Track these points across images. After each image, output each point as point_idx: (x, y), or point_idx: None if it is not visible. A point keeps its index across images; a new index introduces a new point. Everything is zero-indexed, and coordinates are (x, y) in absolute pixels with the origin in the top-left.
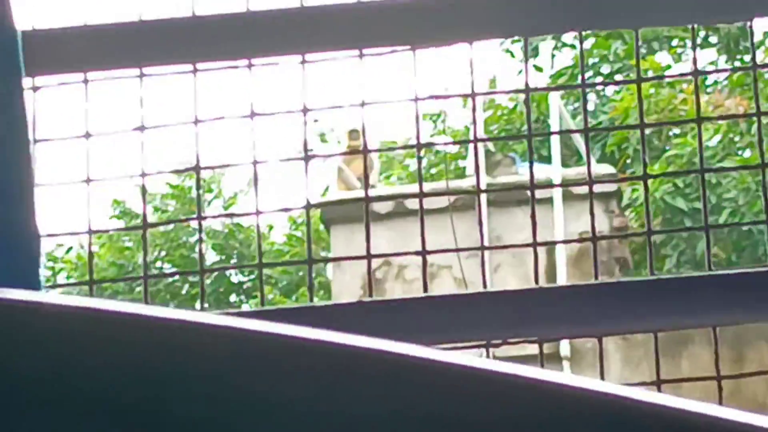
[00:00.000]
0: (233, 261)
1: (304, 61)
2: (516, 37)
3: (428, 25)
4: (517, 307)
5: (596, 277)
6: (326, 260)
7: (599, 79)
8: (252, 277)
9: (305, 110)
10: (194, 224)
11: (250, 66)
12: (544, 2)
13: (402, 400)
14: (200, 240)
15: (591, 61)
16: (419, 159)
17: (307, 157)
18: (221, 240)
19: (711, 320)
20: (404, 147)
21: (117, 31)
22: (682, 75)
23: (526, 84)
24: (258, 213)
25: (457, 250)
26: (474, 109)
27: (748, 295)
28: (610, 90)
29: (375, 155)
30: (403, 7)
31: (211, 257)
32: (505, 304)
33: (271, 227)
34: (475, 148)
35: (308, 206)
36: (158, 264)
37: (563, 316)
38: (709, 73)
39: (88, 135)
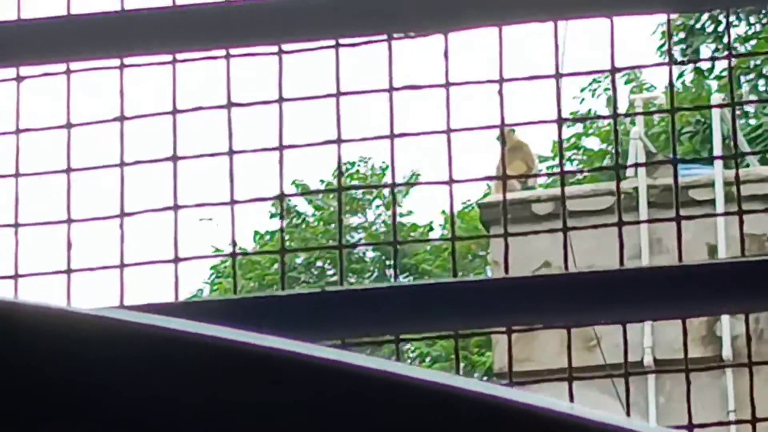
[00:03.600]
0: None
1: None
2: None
3: None
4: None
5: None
6: (409, 242)
7: (761, 81)
8: (416, 275)
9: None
10: (354, 222)
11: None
12: None
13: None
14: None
15: (752, 63)
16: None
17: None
18: (380, 239)
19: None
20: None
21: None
22: None
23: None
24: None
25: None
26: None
27: None
28: None
29: (534, 156)
30: None
31: (371, 255)
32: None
33: (430, 227)
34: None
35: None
36: (318, 263)
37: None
38: None
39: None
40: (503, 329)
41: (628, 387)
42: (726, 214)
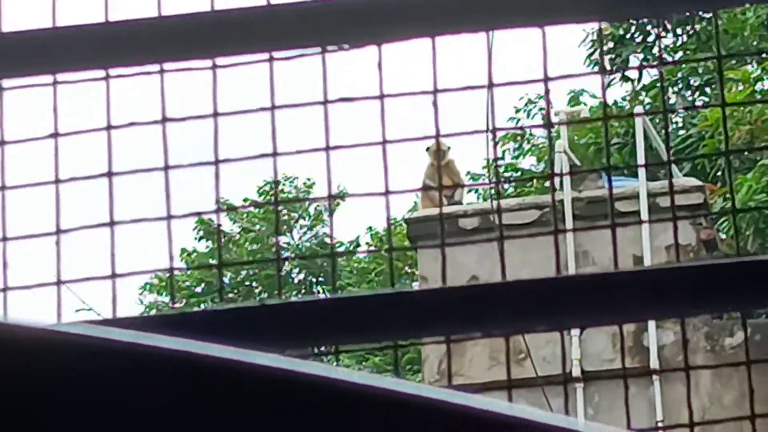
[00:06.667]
0: (319, 279)
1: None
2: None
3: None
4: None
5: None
6: (348, 252)
7: (688, 92)
8: (342, 294)
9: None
10: (281, 242)
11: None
12: None
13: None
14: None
15: (680, 74)
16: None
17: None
18: (306, 260)
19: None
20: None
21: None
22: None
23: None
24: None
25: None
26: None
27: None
28: (699, 101)
29: (462, 172)
30: None
31: (299, 276)
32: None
33: (357, 244)
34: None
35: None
36: (246, 282)
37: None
38: None
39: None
40: (442, 339)
41: (567, 394)
42: (636, 222)
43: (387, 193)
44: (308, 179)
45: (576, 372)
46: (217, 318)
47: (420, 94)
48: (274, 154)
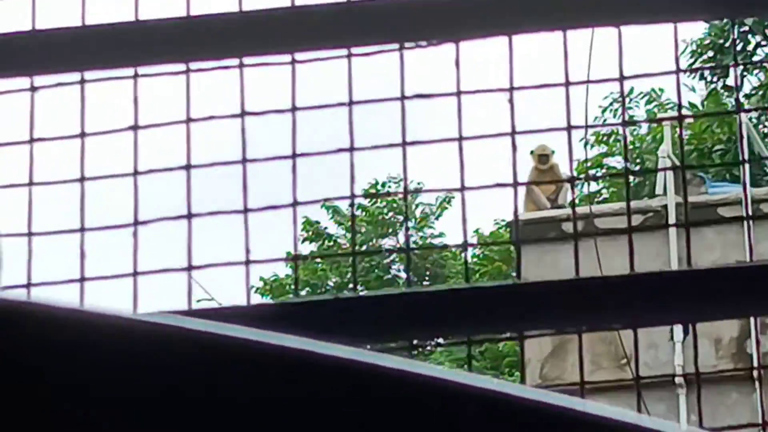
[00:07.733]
0: (425, 280)
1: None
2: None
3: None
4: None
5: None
6: (420, 248)
7: None
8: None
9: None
10: (387, 244)
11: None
12: None
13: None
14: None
15: None
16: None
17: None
18: (413, 261)
19: None
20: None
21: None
22: None
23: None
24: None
25: None
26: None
27: None
28: None
29: (564, 175)
30: None
31: (404, 276)
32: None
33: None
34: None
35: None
36: (350, 285)
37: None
38: None
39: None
40: (515, 335)
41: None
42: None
43: (462, 188)
44: (417, 182)
45: (679, 378)
46: (291, 311)
47: (497, 91)
48: (351, 149)
